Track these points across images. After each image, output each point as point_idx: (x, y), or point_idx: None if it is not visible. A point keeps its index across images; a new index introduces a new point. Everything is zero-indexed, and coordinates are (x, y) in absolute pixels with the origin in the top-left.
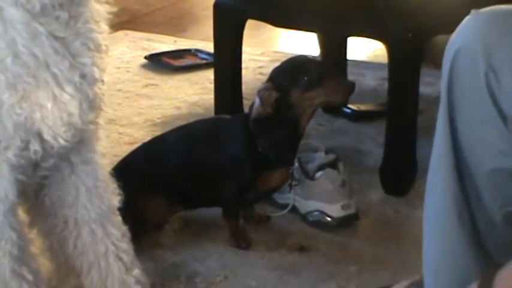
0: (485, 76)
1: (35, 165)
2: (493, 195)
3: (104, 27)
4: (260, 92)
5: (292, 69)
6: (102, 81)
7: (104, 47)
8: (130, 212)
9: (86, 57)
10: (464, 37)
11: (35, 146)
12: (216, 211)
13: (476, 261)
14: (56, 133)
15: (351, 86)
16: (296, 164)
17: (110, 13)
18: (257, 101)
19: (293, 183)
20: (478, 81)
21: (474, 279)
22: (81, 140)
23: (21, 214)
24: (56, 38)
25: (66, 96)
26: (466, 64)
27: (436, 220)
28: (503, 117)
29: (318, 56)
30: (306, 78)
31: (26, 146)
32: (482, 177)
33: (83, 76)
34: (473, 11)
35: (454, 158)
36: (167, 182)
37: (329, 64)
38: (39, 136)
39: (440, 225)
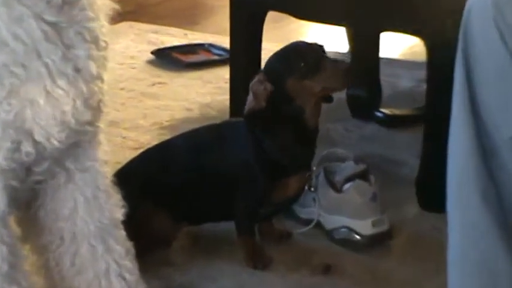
0: (498, 30)
1: (27, 169)
2: None
3: (104, 22)
4: (253, 86)
5: (287, 56)
6: (101, 79)
7: (102, 43)
8: (131, 226)
9: (80, 49)
10: None
11: (27, 147)
12: (229, 225)
13: (503, 242)
14: (49, 133)
15: (347, 67)
16: (314, 168)
17: (112, 0)
18: (250, 95)
19: (311, 189)
20: (492, 36)
21: (501, 263)
22: (78, 144)
23: (14, 227)
24: (45, 21)
25: (58, 91)
26: (479, 20)
27: (459, 196)
28: None
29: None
30: (302, 64)
31: (17, 148)
32: (504, 146)
33: (76, 70)
34: None
35: (474, 126)
36: (172, 195)
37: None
38: (31, 136)
39: (463, 201)
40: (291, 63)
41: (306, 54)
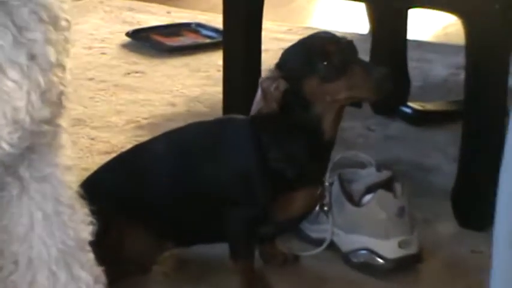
0: None
1: None
2: None
3: None
4: (263, 83)
5: (306, 50)
6: (63, 67)
7: (63, 22)
8: (101, 247)
9: (35, 32)
10: None
11: None
12: (221, 247)
13: None
14: None
15: (385, 76)
16: (327, 184)
17: None
18: (259, 93)
19: (324, 209)
20: None
21: None
22: (34, 148)
23: None
24: None
25: (9, 84)
26: None
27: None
28: None
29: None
30: (325, 63)
31: None
32: None
33: (31, 57)
34: None
35: None
36: (151, 209)
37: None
38: None
39: None
40: (310, 59)
41: (330, 51)
